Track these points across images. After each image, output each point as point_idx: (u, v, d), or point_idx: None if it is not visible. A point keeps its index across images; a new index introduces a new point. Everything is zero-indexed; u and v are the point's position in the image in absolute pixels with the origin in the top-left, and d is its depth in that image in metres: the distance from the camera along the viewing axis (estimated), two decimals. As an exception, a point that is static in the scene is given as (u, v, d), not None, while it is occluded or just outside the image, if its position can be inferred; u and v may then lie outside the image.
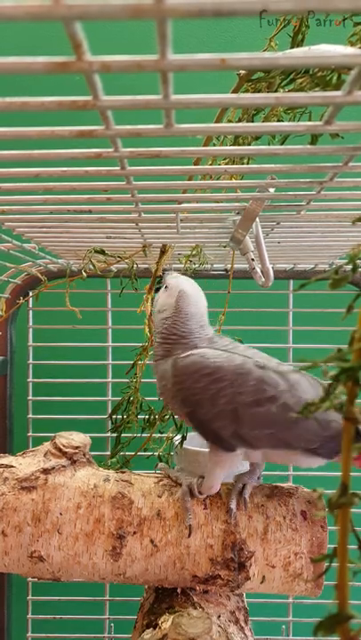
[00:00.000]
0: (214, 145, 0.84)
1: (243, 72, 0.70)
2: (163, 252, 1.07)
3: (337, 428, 0.82)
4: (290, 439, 0.84)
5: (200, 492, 0.92)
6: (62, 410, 1.40)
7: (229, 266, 1.31)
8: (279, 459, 0.96)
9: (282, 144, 0.76)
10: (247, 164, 0.83)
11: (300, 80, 0.64)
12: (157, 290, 0.99)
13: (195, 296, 0.94)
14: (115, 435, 1.23)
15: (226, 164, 0.82)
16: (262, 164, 0.59)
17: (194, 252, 1.07)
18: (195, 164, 0.78)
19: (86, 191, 0.64)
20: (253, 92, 0.72)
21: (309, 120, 0.76)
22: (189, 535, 0.91)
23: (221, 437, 0.87)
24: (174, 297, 0.93)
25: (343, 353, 0.32)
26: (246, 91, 0.72)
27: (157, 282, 1.01)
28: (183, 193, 0.85)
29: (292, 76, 0.65)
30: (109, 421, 1.25)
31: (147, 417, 1.22)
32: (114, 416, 1.24)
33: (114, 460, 1.22)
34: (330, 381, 0.33)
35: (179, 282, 0.95)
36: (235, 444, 0.87)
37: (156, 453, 1.22)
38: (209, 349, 0.89)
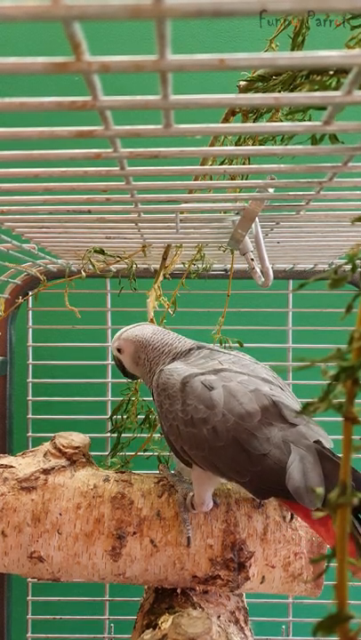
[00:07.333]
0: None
1: (242, 83, 0.70)
2: (164, 257, 1.08)
3: (270, 465, 0.73)
4: (220, 465, 0.80)
5: (194, 508, 0.92)
6: (62, 410, 1.40)
7: (228, 266, 1.31)
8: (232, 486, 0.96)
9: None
10: (248, 164, 0.83)
11: (300, 88, 0.63)
12: (124, 372, 1.07)
13: (140, 332, 1.00)
14: (114, 435, 1.23)
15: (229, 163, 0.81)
16: (262, 164, 0.59)
17: (197, 257, 1.08)
18: (201, 165, 0.78)
19: (86, 191, 0.65)
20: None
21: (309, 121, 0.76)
22: (188, 545, 0.92)
23: (177, 451, 0.88)
24: (131, 348, 1.00)
25: (342, 352, 0.32)
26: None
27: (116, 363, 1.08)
28: (189, 193, 0.85)
29: (292, 84, 0.64)
30: (109, 422, 1.25)
31: (146, 417, 1.22)
32: (114, 417, 1.24)
33: (113, 459, 1.22)
34: (329, 381, 0.33)
35: (121, 340, 1.01)
36: (187, 459, 0.86)
37: (156, 454, 1.22)
38: (178, 364, 0.90)
